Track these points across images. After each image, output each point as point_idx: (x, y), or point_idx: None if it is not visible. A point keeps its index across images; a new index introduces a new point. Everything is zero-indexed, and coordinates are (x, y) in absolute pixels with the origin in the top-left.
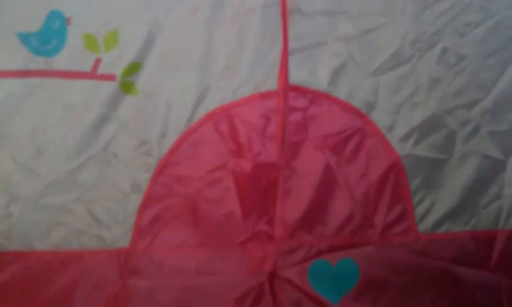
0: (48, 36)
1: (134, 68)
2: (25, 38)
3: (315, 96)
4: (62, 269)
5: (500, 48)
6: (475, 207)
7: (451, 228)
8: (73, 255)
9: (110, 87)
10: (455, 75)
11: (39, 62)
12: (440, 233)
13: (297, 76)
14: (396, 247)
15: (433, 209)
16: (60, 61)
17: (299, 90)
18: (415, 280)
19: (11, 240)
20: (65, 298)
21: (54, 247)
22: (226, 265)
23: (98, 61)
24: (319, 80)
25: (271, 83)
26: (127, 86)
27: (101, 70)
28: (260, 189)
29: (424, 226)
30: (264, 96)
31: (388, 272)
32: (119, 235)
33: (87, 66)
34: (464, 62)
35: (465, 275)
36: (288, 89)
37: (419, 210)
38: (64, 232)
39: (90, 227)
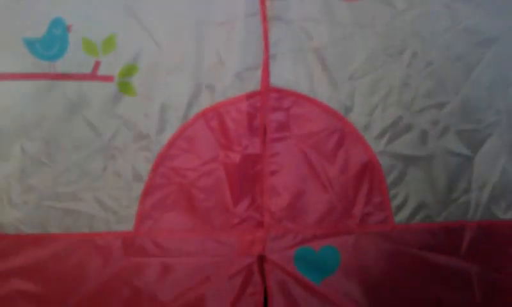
0: (52, 42)
1: (130, 70)
2: (30, 44)
3: (297, 98)
4: (74, 250)
5: (465, 53)
6: (446, 201)
7: (424, 219)
8: (84, 237)
9: (109, 87)
10: (424, 78)
11: (43, 66)
12: (414, 223)
13: (279, 79)
14: (374, 236)
15: (408, 202)
16: (63, 65)
17: (280, 92)
18: (392, 265)
19: (27, 225)
20: (77, 275)
21: (66, 230)
22: (219, 247)
23: (97, 64)
24: (300, 84)
25: (255, 84)
26: (124, 86)
27: (101, 72)
28: (248, 178)
29: (399, 217)
30: (249, 96)
31: (367, 258)
32: (124, 220)
33: (87, 69)
34: (431, 67)
35: (438, 260)
36: (269, 90)
37: (395, 203)
38: (75, 217)
39: (98, 212)
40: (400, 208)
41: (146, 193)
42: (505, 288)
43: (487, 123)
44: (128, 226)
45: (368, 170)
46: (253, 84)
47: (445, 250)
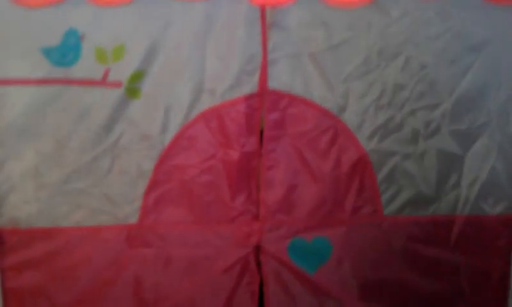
0: (66, 50)
1: (138, 75)
2: (46, 52)
3: (292, 99)
4: (83, 242)
5: (458, 57)
6: (435, 195)
7: (413, 212)
8: (92, 230)
9: (118, 92)
10: (417, 81)
11: (58, 72)
12: (403, 216)
13: (276, 81)
14: (364, 227)
15: (397, 196)
16: (76, 71)
17: (277, 93)
18: (382, 255)
19: (39, 219)
20: (85, 265)
21: (76, 224)
22: (217, 238)
23: (107, 71)
24: (296, 86)
25: (253, 87)
26: (132, 92)
27: (110, 79)
28: (244, 174)
29: (389, 209)
30: (247, 98)
31: (357, 249)
32: (129, 213)
33: (98, 75)
34: (425, 71)
35: (426, 252)
36: (266, 92)
37: (385, 197)
38: (84, 212)
39: (105, 207)
40: (390, 201)
41: (150, 189)
42: (492, 280)
43: (478, 123)
44: (132, 220)
45: (360, 167)
46: (251, 86)
47: (434, 242)
